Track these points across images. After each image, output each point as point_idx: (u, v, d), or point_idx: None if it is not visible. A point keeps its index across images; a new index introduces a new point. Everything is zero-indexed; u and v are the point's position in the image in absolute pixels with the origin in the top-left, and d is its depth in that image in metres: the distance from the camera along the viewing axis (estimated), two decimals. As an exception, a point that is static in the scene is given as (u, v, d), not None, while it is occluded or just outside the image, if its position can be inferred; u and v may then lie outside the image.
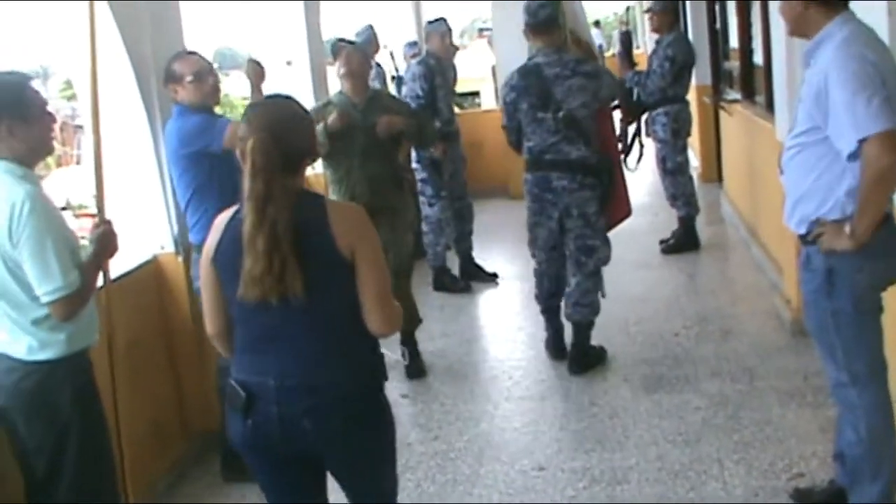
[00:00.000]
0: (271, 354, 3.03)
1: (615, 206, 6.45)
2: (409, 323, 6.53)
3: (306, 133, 3.13)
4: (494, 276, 8.94)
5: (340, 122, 5.96)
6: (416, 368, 6.63)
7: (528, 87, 6.15)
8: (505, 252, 9.89)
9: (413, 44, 10.14)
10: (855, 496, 3.99)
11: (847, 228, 3.60)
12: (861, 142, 3.43)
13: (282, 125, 3.00)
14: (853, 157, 3.50)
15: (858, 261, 3.66)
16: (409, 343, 6.68)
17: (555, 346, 6.60)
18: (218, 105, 5.32)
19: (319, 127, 5.76)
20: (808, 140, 3.74)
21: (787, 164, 3.92)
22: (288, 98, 3.19)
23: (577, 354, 6.38)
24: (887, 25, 4.17)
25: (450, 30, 8.70)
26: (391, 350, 6.51)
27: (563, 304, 6.46)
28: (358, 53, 6.43)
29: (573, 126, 6.06)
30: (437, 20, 8.79)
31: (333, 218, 2.96)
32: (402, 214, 6.44)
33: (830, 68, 3.55)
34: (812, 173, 3.74)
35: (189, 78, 4.98)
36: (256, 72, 5.28)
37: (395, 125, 6.19)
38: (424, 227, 8.44)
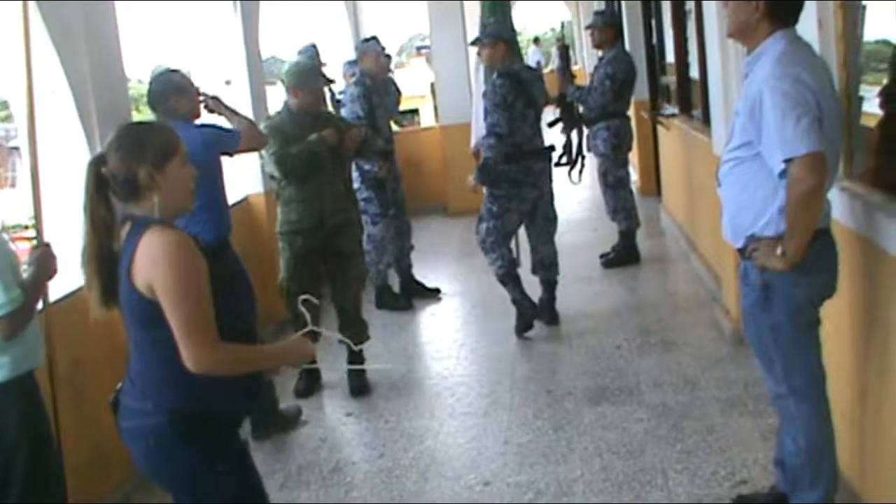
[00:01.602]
0: (126, 372, 3.16)
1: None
2: (359, 338, 6.55)
3: (141, 161, 2.98)
4: (437, 291, 8.96)
5: (358, 137, 6.54)
6: (360, 386, 6.62)
7: (516, 89, 7.05)
8: (445, 269, 9.93)
9: (353, 62, 10.09)
10: (798, 498, 4.03)
11: (779, 249, 3.64)
12: (787, 162, 3.46)
13: (116, 152, 3.00)
14: (782, 175, 3.53)
15: (794, 276, 3.70)
16: (357, 360, 6.67)
17: (532, 313, 7.40)
18: (199, 118, 5.55)
19: (275, 148, 6.19)
20: (744, 154, 3.77)
21: (723, 177, 3.95)
22: (144, 124, 3.28)
23: (551, 307, 7.60)
24: (817, 38, 4.24)
25: (383, 48, 8.69)
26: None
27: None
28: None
29: (539, 120, 7.29)
30: (369, 39, 8.80)
31: (139, 252, 2.90)
32: (357, 227, 6.85)
33: (765, 85, 3.58)
34: (748, 187, 3.78)
35: (184, 94, 5.36)
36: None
37: (357, 139, 6.35)
38: (367, 246, 8.41)
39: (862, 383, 4.12)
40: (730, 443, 5.10)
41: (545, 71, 32.28)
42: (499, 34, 7.32)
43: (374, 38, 8.74)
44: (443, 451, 5.52)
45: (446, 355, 7.22)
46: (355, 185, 8.26)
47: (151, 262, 2.87)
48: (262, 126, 6.21)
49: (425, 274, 9.19)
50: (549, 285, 7.65)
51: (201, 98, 5.58)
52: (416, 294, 8.84)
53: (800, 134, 3.43)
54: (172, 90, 5.34)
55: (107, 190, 3.00)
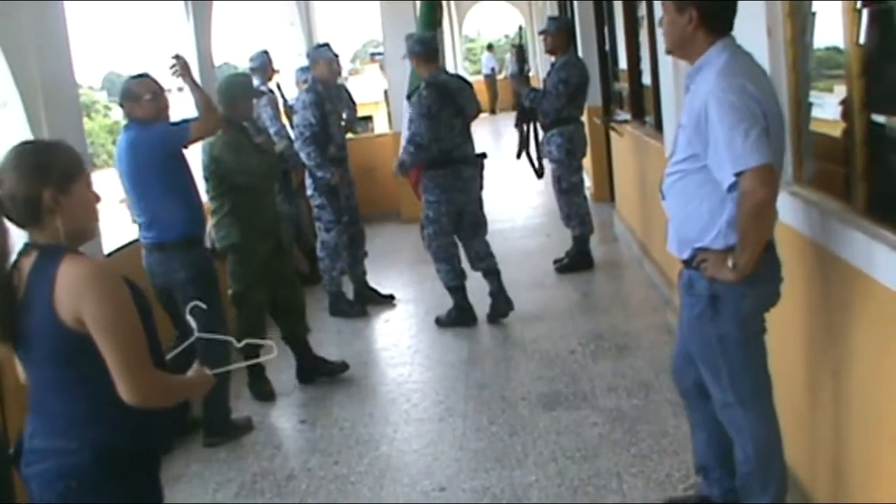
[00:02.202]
0: (31, 411, 2.93)
1: None
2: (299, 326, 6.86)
3: (45, 183, 2.79)
4: (391, 297, 8.94)
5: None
6: (306, 372, 6.90)
7: (442, 99, 7.41)
8: (400, 276, 9.92)
9: (305, 69, 10.07)
10: (758, 497, 4.03)
11: (730, 261, 3.65)
12: (738, 175, 3.46)
13: (14, 172, 2.79)
14: (732, 188, 3.54)
15: (743, 287, 3.72)
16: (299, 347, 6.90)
17: (469, 315, 7.91)
18: (167, 121, 5.68)
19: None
20: (689, 167, 3.77)
21: (668, 190, 3.96)
22: (45, 143, 3.04)
23: (501, 297, 7.86)
24: (766, 45, 4.29)
25: (336, 55, 8.63)
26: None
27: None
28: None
29: (468, 129, 7.67)
30: (322, 45, 8.74)
31: (60, 281, 2.71)
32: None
33: (710, 98, 3.57)
34: (693, 200, 3.79)
35: (147, 97, 5.52)
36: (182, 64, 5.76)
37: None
38: (320, 253, 8.42)
39: (814, 386, 4.16)
40: (684, 445, 5.12)
41: (499, 77, 32.39)
42: (412, 49, 7.67)
43: (326, 44, 8.69)
44: (398, 458, 5.51)
45: (401, 361, 7.21)
46: (308, 192, 8.25)
47: (78, 294, 2.70)
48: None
49: (379, 280, 9.17)
50: (493, 274, 7.89)
51: (172, 64, 5.75)
52: (371, 301, 8.82)
53: (749, 147, 3.43)
54: (126, 96, 5.56)
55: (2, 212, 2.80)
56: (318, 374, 6.90)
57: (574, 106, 9.03)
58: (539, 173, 9.34)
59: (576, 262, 9.24)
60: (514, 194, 11.71)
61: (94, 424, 2.82)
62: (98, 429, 2.82)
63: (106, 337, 2.70)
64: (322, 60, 8.43)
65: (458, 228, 7.83)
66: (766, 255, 3.73)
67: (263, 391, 6.72)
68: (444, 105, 7.45)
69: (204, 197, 6.25)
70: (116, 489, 2.85)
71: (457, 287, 7.90)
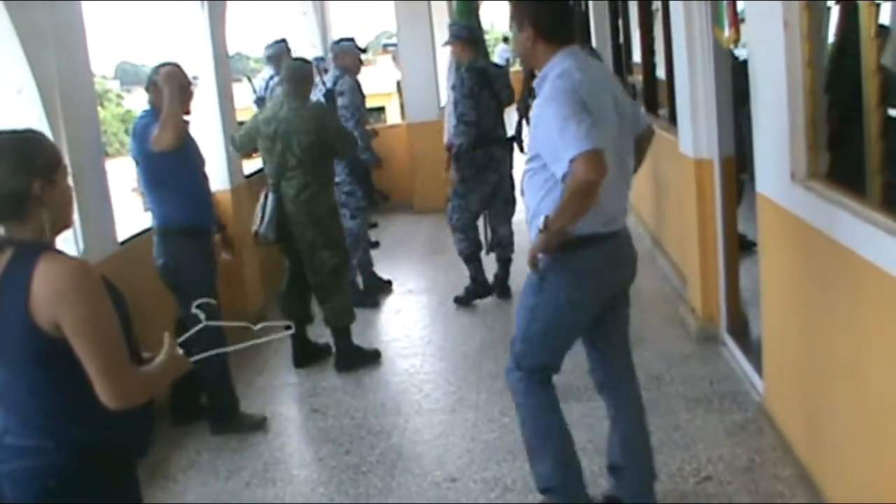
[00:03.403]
0: (1, 408, 2.81)
1: None
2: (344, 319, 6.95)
3: (32, 174, 2.69)
4: (389, 283, 9.04)
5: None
6: (345, 362, 6.94)
7: (482, 82, 7.79)
8: (412, 266, 9.94)
9: (321, 59, 10.13)
10: (535, 471, 4.39)
11: (541, 220, 3.89)
12: (571, 162, 3.67)
13: None
14: (565, 178, 3.76)
15: (565, 275, 4.07)
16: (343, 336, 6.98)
17: (484, 287, 8.30)
18: (189, 113, 5.68)
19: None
20: (536, 165, 4.05)
21: (524, 185, 4.20)
22: (21, 133, 2.82)
23: (505, 282, 8.36)
24: (783, 39, 4.28)
25: (361, 49, 8.97)
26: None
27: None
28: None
29: (501, 113, 8.06)
30: (348, 39, 8.93)
31: (37, 285, 2.59)
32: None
33: (545, 101, 3.94)
34: (540, 193, 4.04)
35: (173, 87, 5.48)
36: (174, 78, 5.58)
37: None
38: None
39: (825, 382, 4.16)
40: (695, 439, 5.14)
41: (512, 69, 32.47)
42: (458, 34, 8.12)
43: (351, 38, 8.93)
44: (409, 448, 5.53)
45: (413, 352, 7.22)
46: (338, 179, 8.26)
47: (57, 297, 2.59)
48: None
49: (392, 271, 9.19)
50: (505, 262, 8.36)
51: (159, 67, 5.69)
52: (375, 288, 8.90)
53: (582, 135, 3.69)
54: (148, 84, 5.66)
55: None
56: (354, 363, 6.95)
57: None
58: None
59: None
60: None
61: (72, 424, 2.75)
62: (76, 428, 2.75)
63: (86, 343, 2.61)
64: (349, 53, 8.76)
65: (491, 207, 8.23)
66: (589, 250, 4.03)
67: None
68: (483, 88, 7.82)
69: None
70: (95, 489, 2.78)
71: (472, 256, 8.22)
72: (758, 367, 5.43)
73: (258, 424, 6.02)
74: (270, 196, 6.61)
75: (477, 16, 9.83)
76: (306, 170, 6.58)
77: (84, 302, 2.60)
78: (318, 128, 6.55)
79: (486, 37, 10.13)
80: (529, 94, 9.39)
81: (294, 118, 6.53)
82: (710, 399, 5.62)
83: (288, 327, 3.57)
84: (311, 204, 6.62)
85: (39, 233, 2.71)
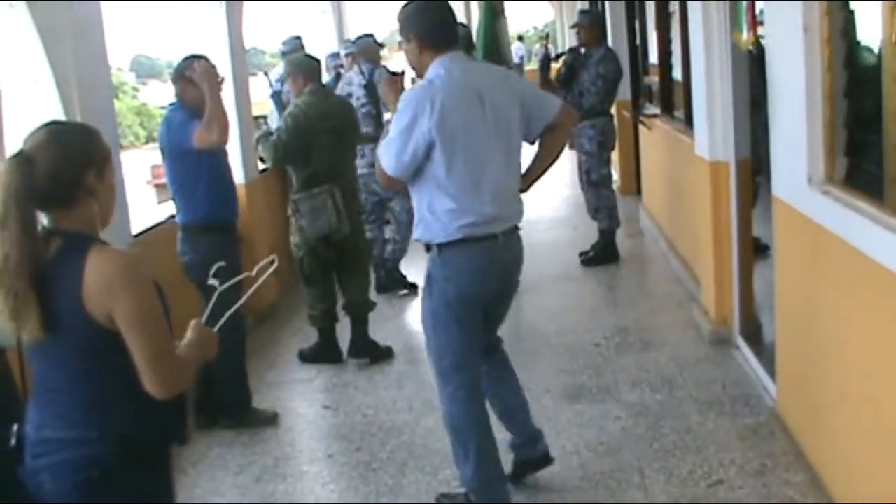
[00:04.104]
0: (35, 402, 2.87)
1: None
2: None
3: (88, 165, 2.76)
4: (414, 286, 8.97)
5: None
6: (359, 348, 7.07)
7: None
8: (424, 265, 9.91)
9: (336, 55, 10.17)
10: (460, 474, 4.61)
11: None
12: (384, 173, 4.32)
13: (51, 152, 2.70)
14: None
15: (446, 272, 4.34)
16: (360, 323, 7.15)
17: None
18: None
19: None
20: None
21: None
22: (77, 125, 2.97)
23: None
24: (802, 43, 4.26)
25: (380, 45, 9.43)
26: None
27: None
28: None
29: None
30: (369, 35, 9.19)
31: (89, 276, 2.63)
32: None
33: (402, 103, 4.29)
34: (417, 195, 4.40)
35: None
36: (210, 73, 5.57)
37: None
38: (391, 229, 8.84)
39: (838, 387, 4.15)
40: (707, 442, 5.12)
41: (527, 68, 32.49)
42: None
43: (371, 35, 9.19)
44: (420, 446, 5.52)
45: (424, 353, 7.18)
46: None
47: (109, 289, 2.63)
48: None
49: (406, 269, 9.18)
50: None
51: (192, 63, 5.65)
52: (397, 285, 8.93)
53: (392, 157, 4.24)
54: (180, 76, 5.65)
55: (34, 195, 2.68)
56: (364, 354, 7.04)
57: (607, 100, 9.03)
58: None
59: (601, 255, 9.22)
60: (542, 185, 11.69)
61: (114, 414, 2.78)
62: (119, 419, 2.77)
63: (138, 334, 2.66)
64: (373, 48, 9.08)
65: None
66: (464, 249, 4.28)
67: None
68: None
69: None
70: (137, 479, 2.80)
71: None
72: (771, 371, 5.41)
73: (270, 420, 6.02)
74: (336, 191, 6.60)
75: (496, 15, 9.86)
76: (354, 161, 7.05)
77: (136, 293, 2.66)
78: (356, 119, 7.06)
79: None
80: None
81: (344, 112, 6.84)
82: (723, 402, 5.61)
83: (272, 262, 3.55)
84: (357, 193, 7.12)
85: (85, 224, 2.76)
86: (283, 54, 9.61)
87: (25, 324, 2.64)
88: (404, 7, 4.43)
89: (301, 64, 6.84)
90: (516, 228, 4.47)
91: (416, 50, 4.35)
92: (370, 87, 8.49)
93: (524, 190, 4.60)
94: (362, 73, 8.58)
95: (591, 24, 9.12)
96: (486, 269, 4.35)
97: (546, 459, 4.86)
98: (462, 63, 4.36)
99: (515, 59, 33.20)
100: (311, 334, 7.19)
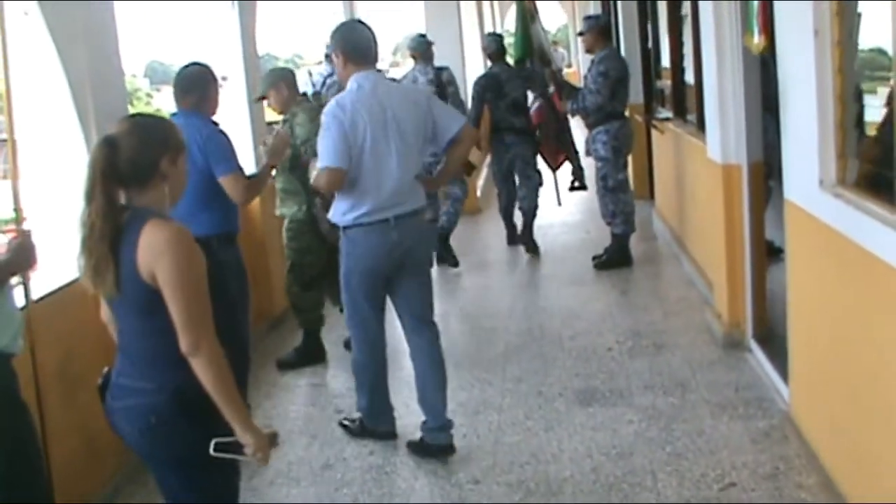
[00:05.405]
0: (119, 351, 3.29)
1: (551, 153, 10.36)
2: None
3: (164, 151, 3.17)
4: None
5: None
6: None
7: (489, 84, 10.00)
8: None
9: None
10: (356, 404, 5.81)
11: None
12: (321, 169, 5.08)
13: (134, 137, 3.12)
14: None
15: (348, 248, 5.28)
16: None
17: (511, 236, 10.71)
18: (214, 114, 5.68)
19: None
20: None
21: None
22: (157, 117, 3.40)
23: (528, 232, 10.30)
24: (813, 46, 4.26)
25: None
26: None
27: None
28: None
29: (514, 106, 9.97)
30: (423, 36, 10.16)
31: (142, 241, 3.02)
32: None
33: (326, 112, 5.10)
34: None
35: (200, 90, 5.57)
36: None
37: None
38: (446, 205, 9.95)
39: (852, 390, 4.14)
40: (719, 445, 5.12)
41: (569, 70, 32.62)
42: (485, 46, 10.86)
43: (424, 35, 10.26)
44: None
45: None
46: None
47: (155, 254, 2.99)
48: None
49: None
50: (528, 216, 10.28)
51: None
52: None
53: (326, 155, 5.02)
54: (205, 82, 5.63)
55: (116, 174, 3.07)
56: None
57: (617, 101, 8.98)
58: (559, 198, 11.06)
59: (615, 259, 9.22)
60: (552, 190, 11.72)
61: (169, 368, 3.11)
62: (174, 373, 3.10)
63: (172, 296, 3.00)
64: (429, 49, 9.94)
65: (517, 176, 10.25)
66: (360, 232, 5.18)
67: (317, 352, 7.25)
68: (490, 89, 9.97)
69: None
70: (190, 430, 3.15)
71: (506, 211, 10.60)
72: (784, 373, 5.41)
73: (271, 440, 5.92)
74: None
75: (529, 18, 10.57)
76: None
77: (175, 260, 3.01)
78: None
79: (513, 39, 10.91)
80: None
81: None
82: (736, 405, 5.61)
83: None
84: None
85: (155, 202, 3.16)
86: (326, 57, 9.67)
87: (103, 283, 3.05)
88: (337, 27, 5.32)
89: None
90: (414, 214, 5.28)
91: (342, 63, 5.19)
92: (438, 85, 9.42)
93: (428, 188, 5.60)
94: (427, 71, 9.49)
95: (589, 30, 9.13)
96: (377, 246, 5.19)
97: (449, 449, 5.42)
98: (374, 79, 5.16)
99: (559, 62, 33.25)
100: (329, 337, 7.28)
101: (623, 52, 11.90)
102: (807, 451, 4.85)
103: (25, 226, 3.95)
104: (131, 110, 8.69)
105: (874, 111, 4.17)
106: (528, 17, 10.56)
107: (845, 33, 4.15)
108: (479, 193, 13.16)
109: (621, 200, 9.14)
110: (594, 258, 9.38)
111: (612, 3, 14.22)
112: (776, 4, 4.96)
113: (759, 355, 6.14)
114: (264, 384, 6.67)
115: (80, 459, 4.89)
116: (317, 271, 6.96)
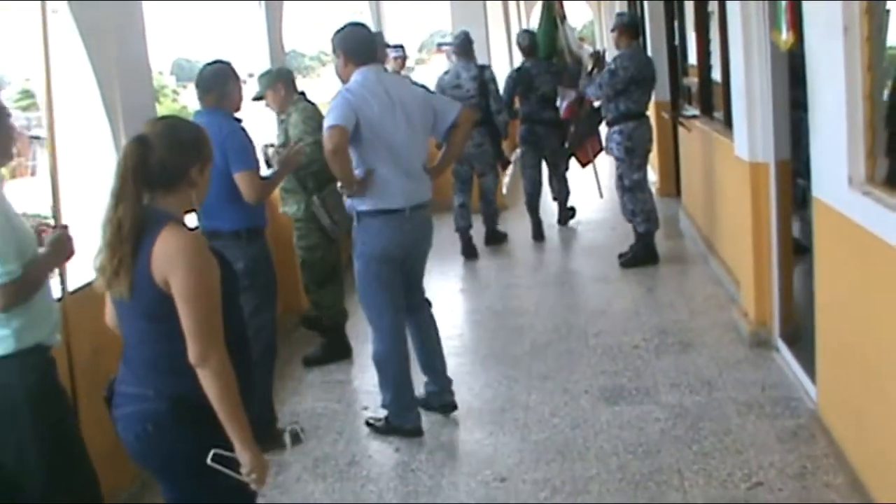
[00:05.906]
0: (122, 358, 3.27)
1: (585, 145, 10.73)
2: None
3: (196, 159, 3.18)
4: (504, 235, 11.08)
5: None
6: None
7: (521, 78, 10.55)
8: (460, 268, 9.96)
9: (399, 47, 10.48)
10: (381, 399, 5.83)
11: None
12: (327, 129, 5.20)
13: (167, 141, 3.11)
14: None
15: (364, 237, 5.44)
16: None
17: (536, 231, 10.92)
18: (238, 110, 5.71)
19: None
20: None
21: None
22: (191, 123, 3.37)
23: (564, 209, 11.52)
24: (842, 43, 4.24)
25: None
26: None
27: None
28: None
29: (544, 99, 10.62)
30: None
31: (157, 247, 3.00)
32: None
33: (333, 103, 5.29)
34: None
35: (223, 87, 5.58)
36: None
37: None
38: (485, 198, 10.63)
39: (880, 390, 4.12)
40: (746, 445, 5.11)
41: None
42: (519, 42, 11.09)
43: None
44: (459, 447, 5.56)
45: (463, 351, 7.23)
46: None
47: (169, 259, 2.99)
48: None
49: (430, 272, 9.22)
50: (561, 202, 11.44)
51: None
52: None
53: (330, 118, 5.17)
54: (224, 79, 5.61)
55: (145, 175, 3.07)
56: None
57: (630, 101, 8.89)
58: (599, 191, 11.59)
59: (640, 256, 9.19)
60: (579, 187, 11.70)
61: (170, 376, 3.11)
62: (173, 381, 3.10)
63: (183, 304, 2.98)
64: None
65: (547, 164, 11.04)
66: (378, 220, 5.37)
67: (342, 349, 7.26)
68: (521, 82, 10.57)
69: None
70: (187, 438, 3.13)
71: (532, 203, 10.91)
72: (811, 373, 5.38)
73: (294, 440, 5.81)
74: None
75: (558, 19, 11.09)
76: None
77: (188, 268, 2.99)
78: None
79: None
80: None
81: None
82: (763, 405, 5.59)
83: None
84: None
85: (177, 207, 3.16)
86: None
87: (119, 284, 3.03)
88: (338, 30, 5.45)
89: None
90: (424, 207, 5.53)
91: (343, 63, 5.42)
92: (480, 83, 9.94)
93: (432, 178, 5.65)
94: (470, 67, 10.02)
95: (616, 27, 9.13)
96: (394, 233, 5.40)
97: (451, 407, 5.92)
98: (377, 71, 5.45)
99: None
100: (353, 333, 7.29)
101: (649, 50, 11.88)
102: (834, 451, 4.83)
103: (63, 221, 4.04)
104: (158, 107, 8.72)
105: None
106: (556, 17, 11.00)
107: (874, 30, 4.12)
108: (504, 191, 13.12)
109: (639, 199, 9.10)
110: (620, 255, 9.35)
111: (638, 0, 14.19)
112: (804, 3, 4.93)
113: (786, 354, 6.12)
114: (290, 380, 6.69)
115: (108, 454, 4.90)
116: (330, 267, 7.00)
